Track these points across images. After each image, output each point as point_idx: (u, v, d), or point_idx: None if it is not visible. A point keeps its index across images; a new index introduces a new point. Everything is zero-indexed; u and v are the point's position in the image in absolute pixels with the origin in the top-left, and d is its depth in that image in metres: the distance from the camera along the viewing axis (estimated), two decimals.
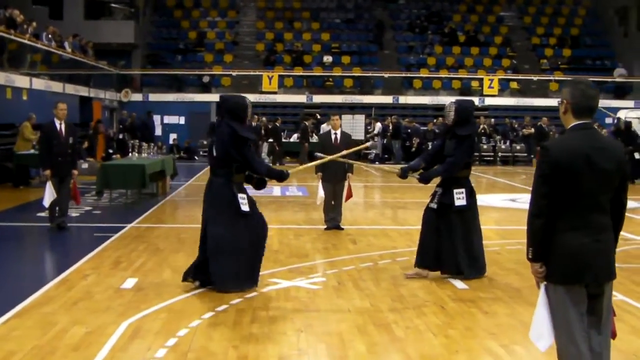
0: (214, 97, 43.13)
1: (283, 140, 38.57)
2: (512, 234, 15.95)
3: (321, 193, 15.09)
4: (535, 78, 46.32)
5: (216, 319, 8.78)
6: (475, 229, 11.49)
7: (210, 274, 10.07)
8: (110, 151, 33.27)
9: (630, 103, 44.36)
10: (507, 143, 40.32)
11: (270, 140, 37.62)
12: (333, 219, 15.91)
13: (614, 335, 5.70)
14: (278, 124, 38.11)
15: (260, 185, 10.99)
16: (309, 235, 15.16)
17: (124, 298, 9.65)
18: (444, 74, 46.59)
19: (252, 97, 38.07)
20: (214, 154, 10.27)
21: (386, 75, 45.30)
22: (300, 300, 9.78)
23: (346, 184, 15.77)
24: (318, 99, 43.58)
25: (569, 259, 5.46)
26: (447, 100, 42.96)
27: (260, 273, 11.09)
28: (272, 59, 46.79)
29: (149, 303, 9.39)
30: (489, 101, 44.36)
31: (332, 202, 15.81)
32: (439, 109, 44.21)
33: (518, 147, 40.15)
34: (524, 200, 22.09)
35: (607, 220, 5.54)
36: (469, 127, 11.40)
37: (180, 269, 11.41)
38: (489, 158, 39.94)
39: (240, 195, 10.23)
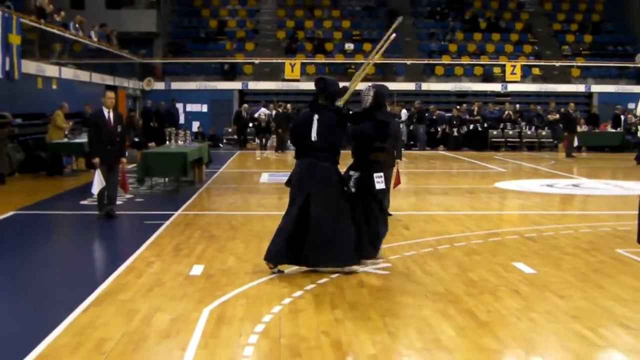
0: (236, 85, 43.34)
1: None
2: (561, 219, 15.87)
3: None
4: (557, 64, 46.09)
5: (295, 305, 8.73)
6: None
7: (329, 254, 10.26)
8: (136, 139, 33.25)
9: None
10: (533, 129, 40.15)
11: None
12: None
13: None
14: (304, 111, 37.97)
15: None
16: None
17: (196, 285, 9.61)
18: (465, 60, 46.46)
19: (274, 85, 38.83)
20: (314, 138, 10.35)
21: (408, 62, 45.17)
22: (373, 285, 9.74)
23: (394, 170, 15.68)
24: (340, 85, 43.32)
25: None
26: (470, 86, 43.61)
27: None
28: (293, 46, 46.72)
29: (223, 290, 9.35)
30: (511, 87, 44.23)
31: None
32: (462, 95, 44.35)
33: (544, 133, 39.98)
34: (560, 186, 22.07)
35: None
36: (386, 113, 11.25)
37: (242, 256, 11.52)
38: (514, 144, 39.78)
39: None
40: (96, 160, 14.93)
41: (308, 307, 8.66)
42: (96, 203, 15.58)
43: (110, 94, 15.34)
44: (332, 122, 10.39)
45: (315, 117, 10.44)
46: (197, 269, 10.55)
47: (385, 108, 11.31)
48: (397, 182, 15.74)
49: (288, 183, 10.68)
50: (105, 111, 15.12)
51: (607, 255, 11.83)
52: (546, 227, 14.45)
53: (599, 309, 8.61)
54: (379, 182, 10.78)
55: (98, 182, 14.87)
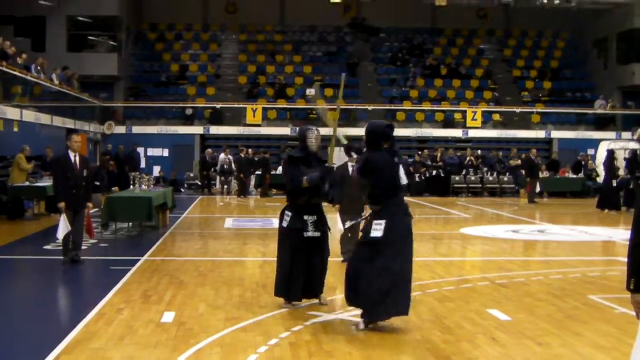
0: (197, 130, 43.12)
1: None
2: (530, 265, 15.86)
3: (339, 225, 14.91)
4: (517, 110, 46.46)
5: (272, 353, 8.56)
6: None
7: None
8: (97, 183, 32.88)
9: (612, 134, 44.63)
10: (494, 174, 40.32)
11: (259, 172, 37.45)
12: (349, 251, 15.68)
13: None
14: (267, 156, 37.91)
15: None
16: (330, 269, 14.86)
17: (169, 333, 9.40)
18: (426, 106, 46.67)
19: (235, 130, 38.62)
20: (404, 181, 10.24)
21: (369, 108, 45.26)
22: (350, 333, 9.59)
23: (364, 215, 15.58)
24: None
25: None
26: (431, 132, 43.82)
27: (298, 306, 11.05)
28: (254, 91, 46.71)
29: (196, 338, 9.15)
30: (472, 133, 44.50)
31: (349, 234, 15.58)
32: (423, 141, 44.43)
33: (505, 179, 40.17)
34: (526, 232, 22.10)
35: None
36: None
37: (213, 302, 11.34)
38: (476, 189, 39.89)
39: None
40: (62, 204, 14.72)
41: (284, 355, 8.49)
42: (61, 248, 15.34)
43: (77, 138, 15.17)
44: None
45: (396, 159, 10.15)
46: (168, 316, 10.33)
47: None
48: None
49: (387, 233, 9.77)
50: (72, 155, 14.93)
51: (580, 301, 11.79)
52: (516, 273, 14.41)
53: (579, 357, 8.54)
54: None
55: (63, 227, 14.65)
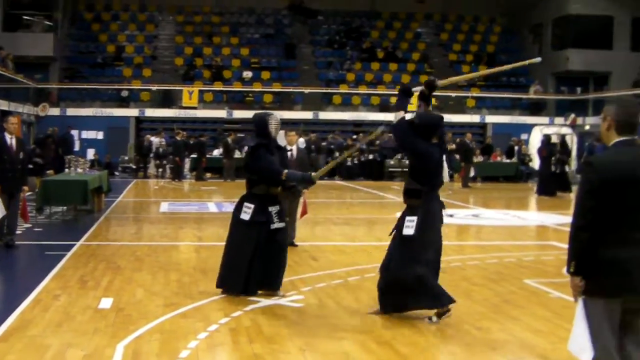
0: (132, 112, 42.72)
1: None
2: (466, 249, 15.99)
3: None
4: (452, 94, 46.78)
5: (212, 339, 8.54)
6: None
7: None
8: (30, 166, 32.46)
9: (545, 119, 45.21)
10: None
11: (194, 155, 37.23)
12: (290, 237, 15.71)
13: None
14: (203, 139, 37.71)
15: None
16: None
17: (107, 319, 9.32)
18: (363, 89, 46.78)
19: (171, 112, 38.35)
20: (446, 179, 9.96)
21: (306, 91, 45.28)
22: (289, 318, 9.60)
23: (301, 200, 15.65)
24: (238, 114, 43.25)
25: (612, 274, 5.51)
26: (367, 116, 43.83)
27: None
28: (191, 73, 46.42)
29: (136, 324, 9.08)
30: (409, 117, 44.53)
31: (287, 219, 15.57)
32: (358, 124, 44.51)
33: (364, 147, 40.18)
34: (461, 216, 22.28)
35: None
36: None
37: (151, 288, 11.28)
38: None
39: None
40: None
41: (225, 341, 8.49)
42: None
43: (14, 119, 14.97)
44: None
45: (444, 156, 10.06)
46: (106, 302, 10.24)
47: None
48: (304, 212, 15.69)
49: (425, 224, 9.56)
50: (8, 137, 14.70)
51: (516, 285, 11.93)
52: (452, 258, 14.50)
53: (518, 341, 8.65)
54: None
55: None
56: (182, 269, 12.89)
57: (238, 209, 10.82)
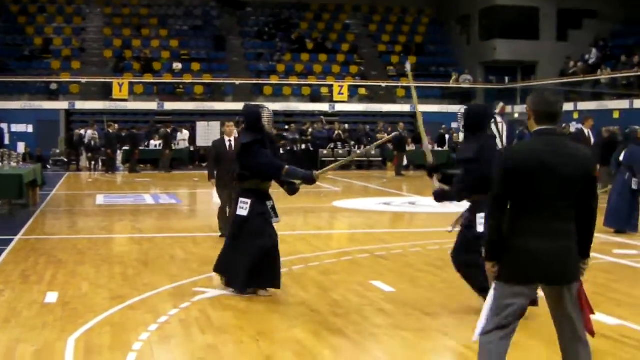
0: (62, 105, 42.14)
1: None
2: (406, 237, 16.09)
3: (216, 199, 15.01)
4: (383, 84, 47.02)
5: (164, 331, 8.51)
6: None
7: None
8: None
9: None
10: (362, 148, 40.73)
11: (126, 147, 36.88)
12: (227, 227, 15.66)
13: (592, 333, 5.95)
14: (136, 131, 37.37)
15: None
16: (207, 243, 14.92)
17: (54, 313, 9.23)
18: (293, 80, 46.80)
19: (101, 105, 37.85)
20: None
21: (237, 82, 45.13)
22: (237, 308, 9.59)
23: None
24: (169, 106, 43.08)
25: (521, 261, 5.60)
26: (298, 106, 43.87)
27: (181, 283, 10.99)
28: (120, 65, 45.95)
29: (84, 317, 9.00)
30: (339, 107, 44.79)
31: (227, 209, 15.55)
32: (290, 115, 44.52)
33: (373, 152, 40.59)
34: (398, 204, 22.47)
35: (567, 226, 5.63)
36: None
37: (96, 281, 11.20)
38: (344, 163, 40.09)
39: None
40: None
41: (177, 333, 8.46)
42: None
43: None
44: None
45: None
46: (51, 297, 10.13)
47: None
48: None
49: None
50: None
51: None
52: (394, 245, 14.66)
53: (468, 325, 8.72)
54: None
55: None
56: (125, 262, 12.79)
57: (236, 208, 10.45)
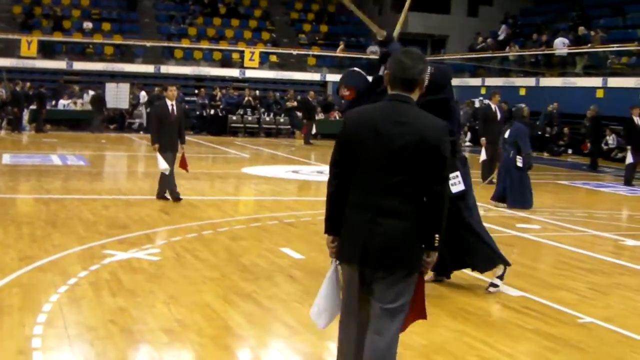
0: None
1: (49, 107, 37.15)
2: (314, 205, 16.14)
3: (164, 164, 15.05)
4: (294, 52, 47.00)
5: (74, 292, 8.53)
6: None
7: None
8: None
9: None
10: (271, 115, 40.79)
11: (33, 106, 36.20)
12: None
13: (402, 328, 5.31)
14: (43, 90, 36.72)
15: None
16: (116, 206, 14.88)
17: None
18: (205, 44, 46.46)
19: (8, 62, 36.95)
20: None
21: (147, 44, 44.63)
22: (148, 271, 9.66)
23: (180, 154, 15.65)
24: (78, 65, 42.36)
25: (345, 236, 5.14)
26: (209, 71, 43.62)
27: (90, 245, 11.00)
28: (29, 22, 44.96)
29: None
30: (249, 73, 44.61)
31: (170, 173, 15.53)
32: (200, 79, 44.29)
33: (282, 120, 40.65)
34: (306, 172, 22.65)
35: (398, 204, 4.97)
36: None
37: (2, 241, 11.14)
38: (253, 130, 40.11)
39: None
40: None
41: (87, 295, 8.49)
42: None
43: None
44: None
45: None
46: None
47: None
48: (184, 165, 15.78)
49: None
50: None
51: None
52: (303, 213, 14.84)
53: None
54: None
55: None
56: (33, 223, 12.68)
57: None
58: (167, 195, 15.60)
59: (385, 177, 4.97)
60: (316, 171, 23.17)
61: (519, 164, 16.38)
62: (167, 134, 15.23)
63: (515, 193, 16.62)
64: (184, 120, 16.10)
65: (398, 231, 4.96)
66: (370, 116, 5.08)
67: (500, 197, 16.85)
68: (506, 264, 9.35)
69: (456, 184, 8.91)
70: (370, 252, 4.98)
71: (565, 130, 34.65)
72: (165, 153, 15.27)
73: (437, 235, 5.04)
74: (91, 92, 38.76)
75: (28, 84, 37.32)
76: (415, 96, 5.15)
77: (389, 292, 5.06)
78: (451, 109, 9.05)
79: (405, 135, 4.91)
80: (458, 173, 8.96)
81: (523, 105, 17.39)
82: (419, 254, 5.07)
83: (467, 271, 10.05)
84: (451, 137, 8.25)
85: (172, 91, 15.61)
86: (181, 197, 15.54)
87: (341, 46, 46.14)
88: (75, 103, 39.05)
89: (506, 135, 16.77)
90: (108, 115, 38.93)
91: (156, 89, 39.24)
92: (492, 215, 15.59)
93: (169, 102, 15.44)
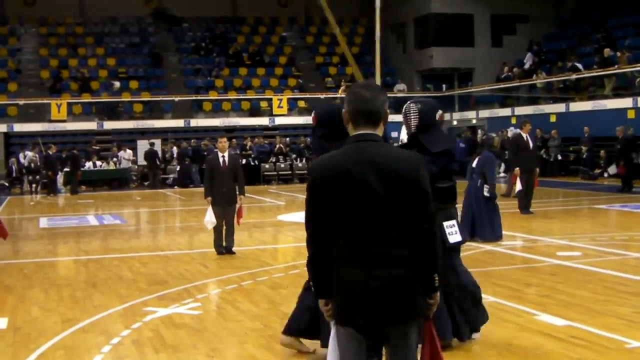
0: (0, 128, 41.61)
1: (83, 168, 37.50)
2: None
3: (209, 217, 15.05)
4: (322, 96, 47.14)
5: (117, 352, 8.54)
6: None
7: None
8: None
9: None
10: (304, 161, 40.87)
11: (67, 169, 36.55)
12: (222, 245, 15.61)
13: None
14: (76, 152, 37.05)
15: None
16: (154, 262, 14.94)
17: (6, 339, 9.21)
18: (232, 95, 46.78)
19: (40, 127, 37.36)
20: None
21: (176, 99, 45.02)
22: (190, 326, 9.64)
23: (237, 206, 15.60)
24: (109, 125, 42.87)
25: (340, 296, 4.63)
26: (238, 121, 43.87)
27: (131, 303, 11.01)
28: (58, 86, 45.52)
29: (36, 342, 9.00)
30: (279, 121, 44.81)
31: (224, 227, 15.52)
32: (230, 130, 44.50)
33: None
34: None
35: (395, 251, 4.56)
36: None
37: (45, 305, 11.15)
38: (286, 177, 40.22)
39: None
40: None
41: (130, 353, 8.49)
42: None
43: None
44: None
45: None
46: (1, 322, 10.09)
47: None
48: (238, 218, 15.76)
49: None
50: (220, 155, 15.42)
51: None
52: None
53: None
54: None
55: None
56: (73, 284, 12.76)
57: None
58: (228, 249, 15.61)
59: (371, 224, 4.56)
60: None
61: (486, 193, 15.98)
62: (218, 187, 15.20)
63: (484, 224, 16.03)
64: (241, 171, 15.93)
65: (400, 280, 4.55)
66: (338, 161, 4.61)
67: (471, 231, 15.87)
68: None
69: (453, 233, 8.19)
70: (375, 309, 4.51)
71: (602, 153, 34.31)
72: (216, 206, 15.24)
73: (435, 276, 4.66)
74: (129, 151, 39.26)
75: (54, 147, 37.52)
76: (380, 132, 4.67)
77: (400, 346, 4.64)
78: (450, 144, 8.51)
79: (381, 175, 4.52)
80: (454, 222, 8.27)
81: (494, 135, 17.21)
82: (424, 299, 4.68)
83: (512, 303, 9.98)
84: (449, 183, 8.22)
85: (222, 143, 15.77)
86: (224, 252, 15.48)
87: (342, 87, 46.08)
88: (108, 162, 39.39)
89: (474, 164, 16.38)
90: (162, 170, 39.26)
91: (184, 142, 39.65)
92: (531, 245, 15.50)
93: (219, 154, 15.50)
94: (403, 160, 4.60)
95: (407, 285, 4.57)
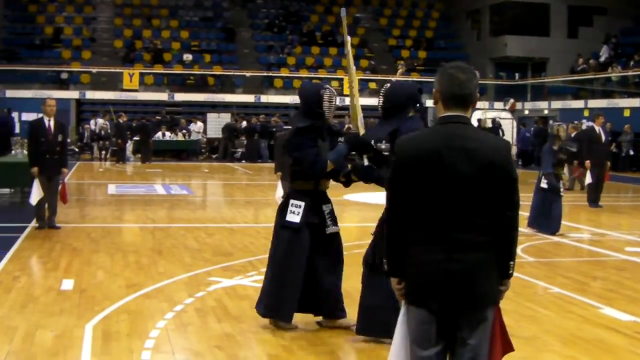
0: (72, 94, 42.20)
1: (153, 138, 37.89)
2: None
3: (279, 192, 15.06)
4: (393, 78, 46.80)
5: (180, 319, 8.59)
6: None
7: None
8: None
9: (484, 104, 45.64)
10: (372, 141, 40.67)
11: (137, 138, 36.94)
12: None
13: None
14: (146, 122, 37.39)
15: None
16: (220, 234, 15.01)
17: (71, 300, 9.32)
18: (304, 73, 46.79)
19: (112, 95, 37.86)
20: None
21: (247, 74, 45.19)
22: (253, 298, 9.49)
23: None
24: (179, 97, 43.21)
25: (417, 278, 4.54)
26: None
27: (196, 272, 11.06)
28: (131, 56, 45.99)
29: (101, 305, 9.09)
30: (348, 100, 44.61)
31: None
32: None
33: (382, 146, 40.52)
34: None
35: (476, 237, 4.47)
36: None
37: (111, 270, 11.26)
38: (353, 157, 40.05)
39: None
40: (35, 169, 14.79)
41: (193, 321, 8.53)
42: None
43: (52, 102, 15.94)
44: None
45: None
46: (67, 284, 10.22)
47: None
48: None
49: None
50: (46, 120, 15.19)
51: None
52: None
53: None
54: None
55: (37, 192, 14.73)
56: (139, 251, 12.87)
57: (282, 208, 8.38)
58: None
59: (455, 209, 4.45)
60: None
61: (544, 185, 15.52)
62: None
63: (541, 215, 15.68)
64: None
65: (480, 266, 4.47)
66: (429, 143, 4.50)
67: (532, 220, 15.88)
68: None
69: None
70: (454, 292, 4.42)
71: None
72: (286, 182, 15.26)
73: (511, 263, 4.60)
74: (199, 124, 39.63)
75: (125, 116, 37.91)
76: (469, 115, 4.61)
77: (475, 332, 4.50)
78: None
79: (473, 161, 4.42)
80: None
81: (556, 124, 16.80)
82: (499, 285, 4.60)
83: (577, 295, 9.87)
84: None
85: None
86: None
87: (400, 70, 45.64)
88: (176, 134, 39.70)
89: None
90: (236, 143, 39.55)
91: (253, 117, 39.80)
92: (599, 239, 15.30)
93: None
94: (494, 146, 4.52)
95: (487, 270, 4.51)
